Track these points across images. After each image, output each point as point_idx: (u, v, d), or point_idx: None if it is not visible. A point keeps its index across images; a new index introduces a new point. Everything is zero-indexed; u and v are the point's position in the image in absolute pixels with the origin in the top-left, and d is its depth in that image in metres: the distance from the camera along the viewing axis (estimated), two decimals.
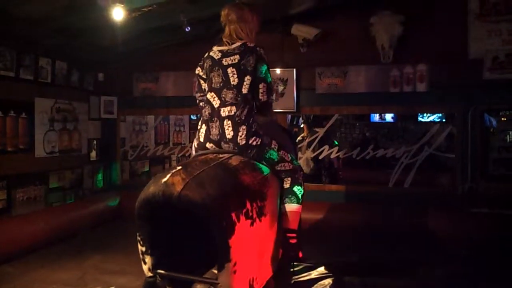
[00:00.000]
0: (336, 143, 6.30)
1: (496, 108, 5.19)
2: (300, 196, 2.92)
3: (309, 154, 5.98)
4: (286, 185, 2.91)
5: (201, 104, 2.97)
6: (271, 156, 2.87)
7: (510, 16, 4.78)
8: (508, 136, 5.90)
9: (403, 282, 3.72)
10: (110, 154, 6.30)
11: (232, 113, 2.72)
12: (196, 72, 3.03)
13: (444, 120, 8.76)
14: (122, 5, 3.67)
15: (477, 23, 4.89)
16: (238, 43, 2.84)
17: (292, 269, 3.43)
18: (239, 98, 2.74)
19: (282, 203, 2.90)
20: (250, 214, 2.36)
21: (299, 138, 6.45)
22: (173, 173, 2.27)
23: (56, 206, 5.21)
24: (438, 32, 5.02)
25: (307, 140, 5.91)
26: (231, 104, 2.73)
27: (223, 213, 2.20)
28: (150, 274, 2.37)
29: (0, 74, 4.48)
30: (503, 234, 4.45)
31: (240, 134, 2.71)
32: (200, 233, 2.31)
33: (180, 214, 2.25)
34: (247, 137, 2.73)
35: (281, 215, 2.89)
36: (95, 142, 6.09)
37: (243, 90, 2.76)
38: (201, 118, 2.89)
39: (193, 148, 2.98)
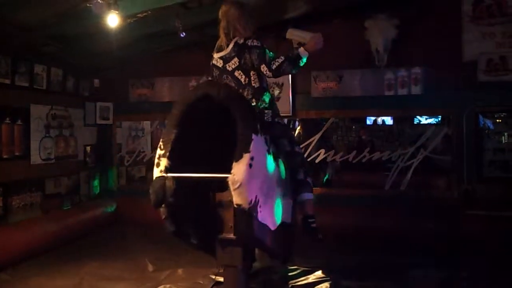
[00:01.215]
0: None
1: (491, 110, 5.20)
2: (312, 185, 3.36)
3: None
4: (300, 176, 3.27)
5: None
6: (292, 136, 3.42)
7: (504, 19, 4.82)
8: (503, 137, 5.90)
9: (400, 285, 3.73)
10: (106, 160, 6.29)
11: (254, 103, 3.09)
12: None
13: (439, 122, 8.77)
14: (117, 12, 3.67)
15: (470, 26, 4.92)
16: (231, 44, 3.14)
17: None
18: (253, 92, 3.12)
19: (298, 193, 3.25)
20: (267, 145, 2.66)
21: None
22: None
23: (52, 212, 5.19)
24: (432, 35, 5.04)
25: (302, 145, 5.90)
26: (250, 99, 3.09)
27: (252, 114, 2.61)
28: (160, 174, 2.60)
29: None
30: (500, 236, 4.46)
31: (266, 116, 3.14)
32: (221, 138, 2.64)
33: (213, 111, 2.57)
34: (273, 117, 3.18)
35: (300, 203, 3.29)
36: (90, 148, 6.09)
37: (253, 84, 3.13)
38: None
39: None
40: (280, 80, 5.52)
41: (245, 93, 3.09)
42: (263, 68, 3.06)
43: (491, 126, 5.53)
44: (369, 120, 11.04)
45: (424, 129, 6.09)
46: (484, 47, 4.88)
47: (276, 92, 5.56)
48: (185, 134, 2.66)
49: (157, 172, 2.63)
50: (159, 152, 2.64)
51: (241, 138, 2.43)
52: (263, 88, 3.19)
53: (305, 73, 5.49)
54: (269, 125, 3.09)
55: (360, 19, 5.09)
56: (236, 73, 3.12)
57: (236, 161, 2.39)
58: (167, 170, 2.59)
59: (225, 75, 3.16)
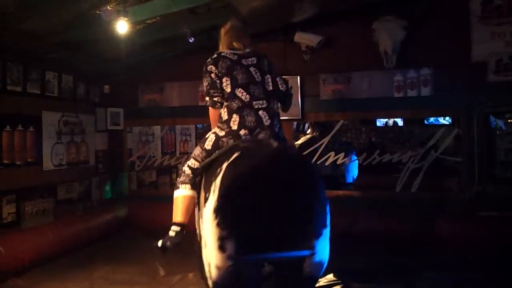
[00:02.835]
0: None
1: (502, 110, 5.16)
2: None
3: None
4: None
5: (217, 99, 2.96)
6: None
7: None
8: None
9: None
10: (117, 165, 6.34)
11: (265, 105, 2.86)
12: (209, 69, 3.00)
13: (450, 123, 8.71)
14: (126, 18, 3.71)
15: (479, 25, 4.88)
16: (249, 49, 3.04)
17: None
18: (266, 93, 2.91)
19: None
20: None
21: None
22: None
23: (64, 218, 5.23)
24: (441, 36, 5.02)
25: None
26: (262, 98, 2.87)
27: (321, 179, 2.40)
28: (229, 263, 2.23)
29: (7, 89, 4.53)
30: None
31: (275, 123, 2.90)
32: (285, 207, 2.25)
33: (280, 179, 2.24)
34: (279, 128, 2.97)
35: None
36: (102, 153, 6.14)
37: (267, 87, 2.94)
38: (227, 110, 2.87)
39: (216, 137, 2.88)
40: (289, 83, 5.52)
41: (257, 91, 2.87)
42: (279, 80, 3.07)
43: (503, 127, 5.49)
44: (379, 122, 11.01)
45: (434, 130, 6.04)
46: (494, 47, 4.84)
47: None
48: (247, 205, 2.24)
49: (223, 259, 2.23)
50: (219, 233, 2.21)
51: (319, 213, 2.32)
52: (275, 96, 2.98)
53: (314, 76, 5.51)
54: (276, 136, 2.86)
55: (367, 20, 5.08)
56: (251, 69, 2.92)
57: (317, 238, 2.30)
58: (237, 253, 2.22)
59: (237, 66, 2.91)
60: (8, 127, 4.56)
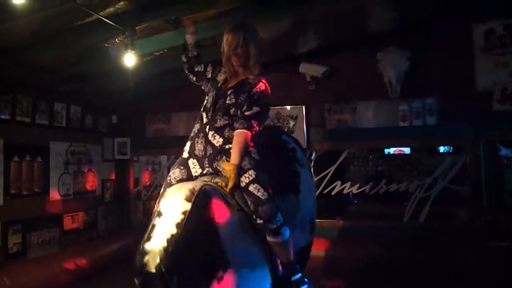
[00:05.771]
0: None
1: (508, 139, 5.14)
2: None
3: None
4: None
5: None
6: None
7: None
8: None
9: None
10: (124, 194, 6.35)
11: None
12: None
13: (457, 152, 8.64)
14: (133, 51, 3.78)
15: (483, 55, 4.93)
16: None
17: None
18: None
19: None
20: None
21: None
22: None
23: (70, 248, 5.22)
24: (445, 66, 5.05)
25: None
26: None
27: None
28: None
29: (17, 120, 4.61)
30: None
31: None
32: None
33: None
34: None
35: None
36: (108, 183, 6.16)
37: None
38: None
39: None
40: (294, 113, 5.58)
41: None
42: None
43: (510, 155, 5.45)
44: (386, 150, 10.92)
45: (441, 159, 6.01)
46: (498, 77, 4.87)
47: (291, 124, 5.60)
48: None
49: None
50: None
51: None
52: None
53: (319, 106, 5.54)
54: None
55: (371, 51, 5.14)
56: None
57: None
58: None
59: None
60: (16, 157, 4.60)
